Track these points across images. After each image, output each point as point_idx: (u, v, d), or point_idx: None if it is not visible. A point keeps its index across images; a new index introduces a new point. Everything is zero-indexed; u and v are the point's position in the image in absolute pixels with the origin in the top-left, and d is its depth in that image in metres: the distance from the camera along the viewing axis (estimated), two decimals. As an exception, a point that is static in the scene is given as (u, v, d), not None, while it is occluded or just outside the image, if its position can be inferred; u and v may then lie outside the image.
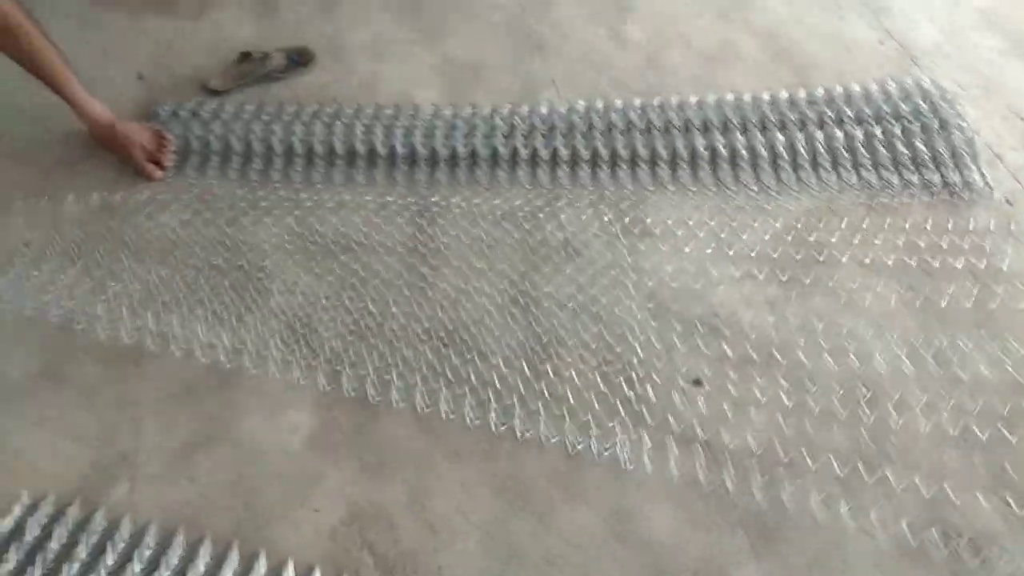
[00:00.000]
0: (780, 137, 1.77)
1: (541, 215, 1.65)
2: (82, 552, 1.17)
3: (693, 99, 1.88)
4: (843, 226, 1.63)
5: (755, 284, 1.54)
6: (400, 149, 1.74)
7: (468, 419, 1.32)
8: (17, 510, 1.21)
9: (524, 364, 1.40)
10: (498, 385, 1.36)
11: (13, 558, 1.16)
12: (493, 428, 1.31)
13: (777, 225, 1.64)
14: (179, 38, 2.06)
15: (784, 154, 1.74)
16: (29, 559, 1.16)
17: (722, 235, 1.62)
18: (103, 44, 2.02)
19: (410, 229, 1.62)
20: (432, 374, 1.38)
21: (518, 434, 1.30)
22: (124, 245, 1.56)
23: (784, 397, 1.35)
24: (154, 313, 1.45)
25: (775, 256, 1.58)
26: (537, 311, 1.49)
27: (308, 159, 1.73)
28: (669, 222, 1.64)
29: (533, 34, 2.13)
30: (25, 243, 1.56)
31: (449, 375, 1.38)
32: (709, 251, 1.59)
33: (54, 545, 1.18)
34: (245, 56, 1.94)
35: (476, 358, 1.40)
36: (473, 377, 1.37)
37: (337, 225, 1.62)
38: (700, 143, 1.76)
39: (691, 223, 1.64)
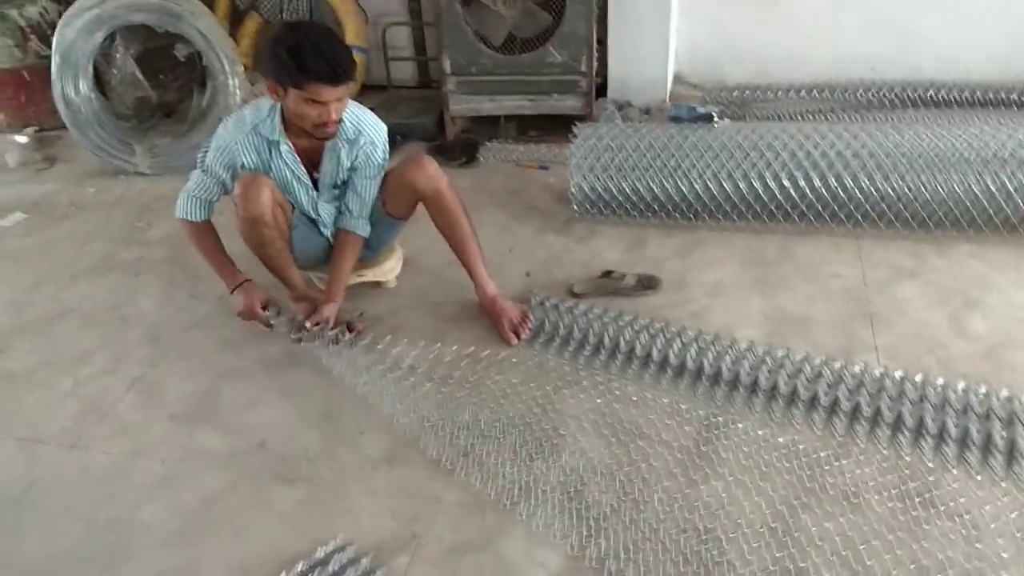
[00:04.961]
0: None
1: (824, 459, 1.70)
2: (357, 597, 1.49)
3: (1026, 396, 1.80)
4: None
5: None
6: (707, 368, 1.96)
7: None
8: (331, 545, 1.59)
9: (767, 588, 1.44)
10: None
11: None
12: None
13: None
14: (564, 252, 2.63)
15: None
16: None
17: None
18: (511, 245, 2.68)
19: (693, 435, 1.80)
20: (676, 566, 1.49)
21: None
22: (470, 384, 2.00)
23: None
24: (471, 440, 1.82)
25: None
26: (793, 547, 1.51)
27: (628, 358, 2.05)
28: (962, 503, 1.57)
29: (868, 304, 2.24)
30: (410, 366, 2.09)
31: (691, 571, 1.47)
32: (1002, 540, 1.47)
33: (343, 583, 1.52)
34: (607, 273, 2.41)
35: (723, 566, 1.48)
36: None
37: (633, 415, 1.87)
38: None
39: (988, 509, 1.54)
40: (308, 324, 2.15)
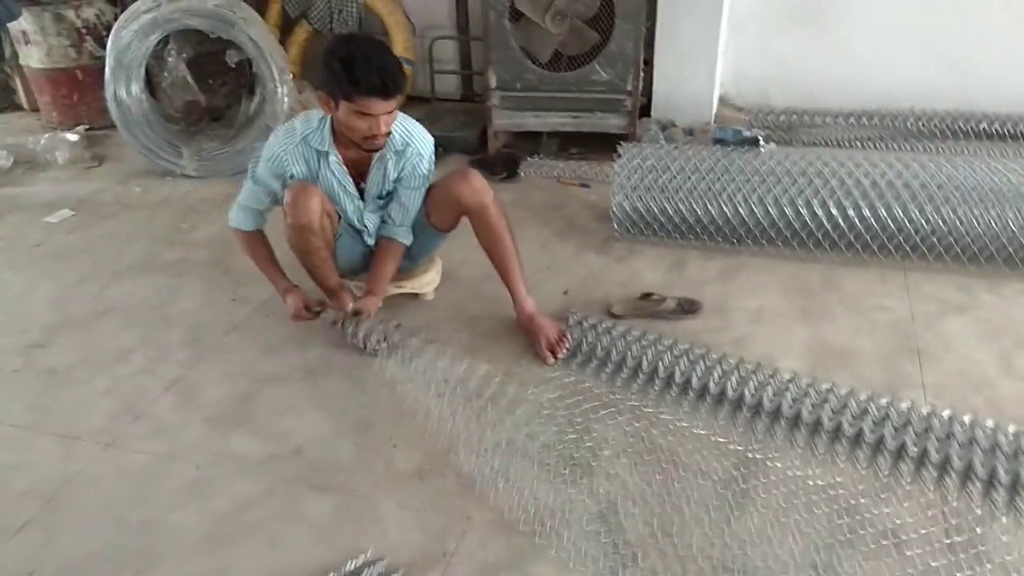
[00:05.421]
0: None
1: (866, 499, 1.65)
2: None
3: (1083, 444, 1.73)
4: None
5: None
6: (748, 398, 1.92)
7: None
8: (361, 559, 1.58)
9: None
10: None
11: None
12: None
13: None
14: (604, 271, 2.61)
15: None
16: (354, 599, 1.50)
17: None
18: (550, 263, 2.67)
19: (731, 468, 1.75)
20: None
21: None
22: (504, 401, 1.97)
23: None
24: (503, 458, 1.80)
25: None
26: (829, 585, 1.47)
27: (666, 384, 2.01)
28: (1009, 550, 1.51)
29: (915, 339, 2.19)
30: (444, 380, 2.08)
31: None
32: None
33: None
34: (646, 295, 2.38)
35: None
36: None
37: (669, 442, 1.83)
38: (1079, 488, 1.61)
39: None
40: (350, 309, 2.18)
